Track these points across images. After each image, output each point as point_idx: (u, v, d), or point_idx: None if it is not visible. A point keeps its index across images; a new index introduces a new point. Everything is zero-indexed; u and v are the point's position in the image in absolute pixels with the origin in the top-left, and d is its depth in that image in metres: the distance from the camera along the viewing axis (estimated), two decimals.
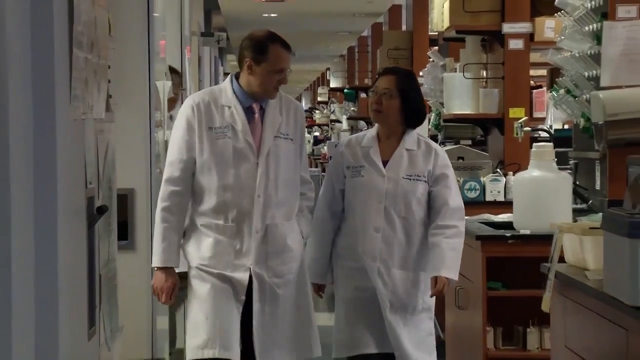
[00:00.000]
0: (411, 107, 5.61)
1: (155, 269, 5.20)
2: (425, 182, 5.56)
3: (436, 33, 10.62)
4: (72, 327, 3.44)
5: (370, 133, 5.77)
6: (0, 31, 2.82)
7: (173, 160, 5.25)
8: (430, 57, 11.12)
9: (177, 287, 5.25)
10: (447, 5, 9.39)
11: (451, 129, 10.14)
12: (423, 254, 5.55)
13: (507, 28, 8.95)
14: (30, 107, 3.12)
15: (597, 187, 6.49)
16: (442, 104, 9.79)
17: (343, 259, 5.66)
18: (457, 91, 9.36)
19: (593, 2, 6.33)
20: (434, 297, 5.54)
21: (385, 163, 5.58)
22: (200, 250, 5.26)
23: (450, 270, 5.40)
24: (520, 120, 8.61)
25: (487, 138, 9.64)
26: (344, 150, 5.76)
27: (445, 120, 9.92)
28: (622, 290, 3.83)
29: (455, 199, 5.56)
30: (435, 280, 5.39)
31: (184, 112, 5.32)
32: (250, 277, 5.24)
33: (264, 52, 5.27)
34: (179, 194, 5.22)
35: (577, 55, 6.58)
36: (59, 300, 3.24)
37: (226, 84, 5.42)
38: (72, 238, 3.46)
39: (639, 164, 4.51)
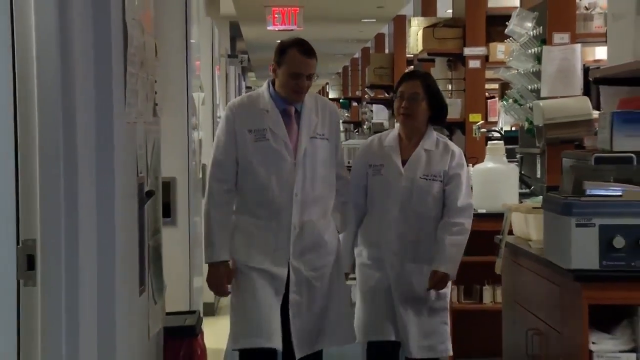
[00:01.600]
0: (437, 106, 4.79)
1: (211, 265, 4.50)
2: (441, 181, 4.73)
3: (412, 55, 10.59)
4: (126, 285, 3.44)
5: (392, 133, 4.90)
6: (69, 53, 2.83)
7: (218, 160, 4.49)
8: None
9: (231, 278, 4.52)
10: (420, 33, 9.37)
11: None
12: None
13: (467, 51, 8.93)
14: (93, 113, 3.12)
15: (538, 175, 6.48)
16: None
17: (363, 250, 4.87)
18: None
19: (535, 31, 6.32)
20: (450, 288, 4.90)
21: (404, 162, 4.77)
22: (243, 246, 4.48)
23: (449, 266, 4.67)
24: (477, 124, 8.61)
25: (452, 137, 9.63)
26: (367, 149, 4.93)
27: None
28: (558, 256, 3.83)
29: (463, 198, 4.73)
30: (435, 273, 4.66)
31: (225, 115, 4.56)
32: (289, 270, 4.48)
33: (283, 55, 4.47)
34: (226, 192, 4.47)
35: (522, 72, 6.58)
36: (116, 264, 3.24)
37: (264, 89, 4.60)
38: (127, 215, 3.46)
39: (571, 157, 4.51)
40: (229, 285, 4.53)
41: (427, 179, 4.72)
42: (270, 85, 4.54)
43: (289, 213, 4.46)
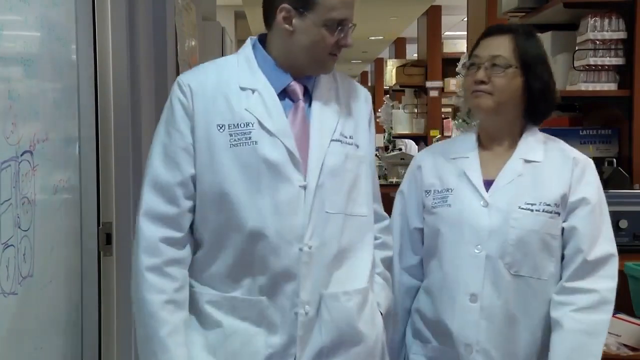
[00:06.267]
0: (540, 88, 1.99)
1: None
2: (558, 213, 1.96)
3: (388, 87, 10.61)
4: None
5: (466, 136, 2.13)
6: (137, 83, 2.84)
7: (159, 183, 1.78)
8: (384, 101, 11.12)
9: None
10: (394, 71, 9.40)
11: (397, 142, 10.15)
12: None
13: (428, 84, 8.96)
14: (153, 130, 3.13)
15: None
16: (391, 127, 9.78)
17: (420, 340, 2.07)
18: (401, 120, 9.36)
19: None
20: None
21: (488, 184, 2.00)
22: (202, 350, 1.79)
23: None
24: (436, 137, 8.62)
25: (418, 147, 9.64)
26: (423, 165, 2.11)
27: (393, 137, 9.91)
28: None
29: (598, 244, 1.95)
30: None
31: (173, 98, 1.82)
32: None
33: None
34: (175, 242, 1.78)
35: None
36: None
37: (246, 54, 1.84)
38: None
39: None
40: None
41: (532, 210, 1.96)
42: (259, 46, 1.86)
43: (294, 282, 1.77)
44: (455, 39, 9.59)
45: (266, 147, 1.78)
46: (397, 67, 9.29)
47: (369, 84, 16.61)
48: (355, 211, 1.86)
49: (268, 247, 1.76)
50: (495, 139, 2.07)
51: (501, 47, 2.01)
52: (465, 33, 6.59)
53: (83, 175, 2.42)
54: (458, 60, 6.92)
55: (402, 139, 9.26)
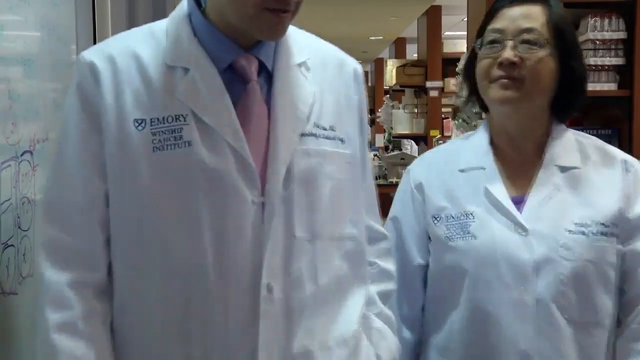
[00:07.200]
0: (579, 73, 1.47)
1: None
2: (615, 235, 1.44)
3: (388, 87, 10.61)
4: None
5: (474, 138, 1.64)
6: None
7: (57, 207, 1.22)
8: (384, 101, 11.13)
9: None
10: (394, 71, 9.40)
11: (397, 142, 10.14)
12: None
13: (429, 84, 8.96)
14: None
15: None
16: (392, 127, 9.79)
17: None
18: (401, 120, 9.36)
19: None
20: None
21: (517, 202, 1.47)
22: None
23: None
24: (436, 137, 8.62)
25: (418, 147, 9.65)
26: (424, 181, 1.60)
27: (393, 137, 9.92)
28: None
29: None
30: None
31: (73, 90, 1.21)
32: None
33: None
34: (90, 287, 1.19)
35: None
36: None
37: (177, 18, 1.23)
38: None
39: None
40: None
41: (585, 233, 1.45)
42: (195, 8, 1.25)
43: (250, 342, 1.16)
44: (455, 39, 9.60)
45: (204, 149, 1.18)
46: (397, 67, 9.29)
47: (369, 84, 16.63)
48: (340, 233, 1.27)
49: (209, 294, 1.16)
50: (517, 141, 1.54)
51: (532, 18, 1.48)
52: (465, 33, 6.60)
53: None
54: (458, 60, 6.92)
55: (407, 140, 9.28)
